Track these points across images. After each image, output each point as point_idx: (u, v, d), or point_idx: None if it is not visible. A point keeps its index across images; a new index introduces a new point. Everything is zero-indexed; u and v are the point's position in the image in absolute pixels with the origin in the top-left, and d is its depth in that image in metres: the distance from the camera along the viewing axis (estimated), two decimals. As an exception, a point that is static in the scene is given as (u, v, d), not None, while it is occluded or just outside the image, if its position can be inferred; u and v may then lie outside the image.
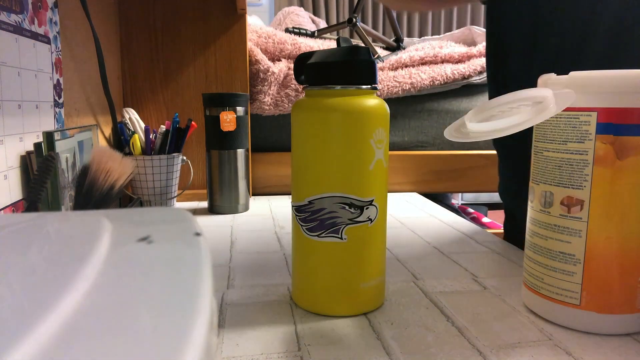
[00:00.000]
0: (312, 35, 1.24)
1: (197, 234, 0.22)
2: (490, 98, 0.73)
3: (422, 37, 1.51)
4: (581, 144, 0.39)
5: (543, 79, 0.43)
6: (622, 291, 0.39)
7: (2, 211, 0.54)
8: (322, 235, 0.42)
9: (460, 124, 0.43)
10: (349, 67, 0.42)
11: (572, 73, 0.40)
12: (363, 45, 1.16)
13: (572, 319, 0.41)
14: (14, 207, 0.57)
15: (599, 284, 0.39)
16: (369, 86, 0.42)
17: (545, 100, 0.38)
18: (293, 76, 1.04)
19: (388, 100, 1.10)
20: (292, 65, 1.04)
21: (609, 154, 0.38)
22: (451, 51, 1.14)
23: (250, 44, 1.02)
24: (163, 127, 0.89)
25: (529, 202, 0.44)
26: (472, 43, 1.27)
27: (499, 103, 0.42)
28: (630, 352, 0.37)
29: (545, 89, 0.39)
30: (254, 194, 1.07)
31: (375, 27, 3.30)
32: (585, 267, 0.39)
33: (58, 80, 0.68)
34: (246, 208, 0.89)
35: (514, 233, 0.72)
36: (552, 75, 0.42)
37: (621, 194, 0.38)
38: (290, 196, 1.05)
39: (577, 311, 0.40)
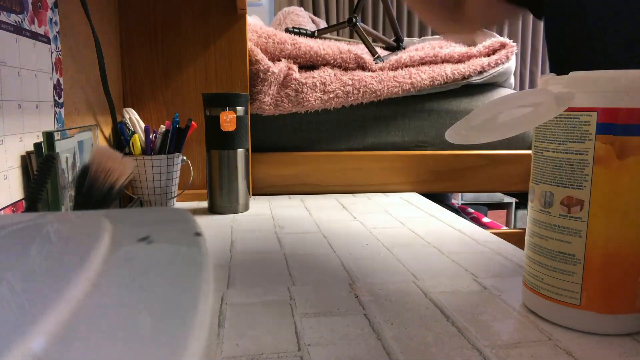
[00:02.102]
0: (312, 35, 1.24)
1: (197, 234, 0.22)
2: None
3: (422, 37, 1.51)
4: (581, 144, 0.39)
5: (543, 79, 0.43)
6: (622, 291, 0.39)
7: (2, 211, 0.54)
8: None
9: (461, 126, 0.43)
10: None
11: (572, 73, 0.40)
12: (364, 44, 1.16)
13: (572, 319, 0.41)
14: (14, 207, 0.57)
15: (599, 284, 0.39)
16: None
17: (546, 101, 0.38)
18: (293, 76, 1.04)
19: (388, 100, 1.10)
20: (292, 65, 1.04)
21: (609, 154, 0.38)
22: (451, 51, 1.14)
23: (250, 44, 1.02)
24: (163, 127, 0.89)
25: (529, 202, 0.44)
26: (472, 43, 1.27)
27: (500, 104, 0.42)
28: (631, 352, 0.37)
29: (545, 90, 0.39)
30: (254, 194, 1.07)
31: (375, 27, 3.29)
32: (585, 267, 0.39)
33: (58, 80, 0.68)
34: (246, 208, 0.89)
35: None
36: (553, 75, 0.42)
37: (621, 194, 0.38)
38: (290, 197, 1.05)
39: (577, 311, 0.40)
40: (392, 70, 1.10)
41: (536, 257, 0.43)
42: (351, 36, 2.14)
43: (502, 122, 0.40)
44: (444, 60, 1.13)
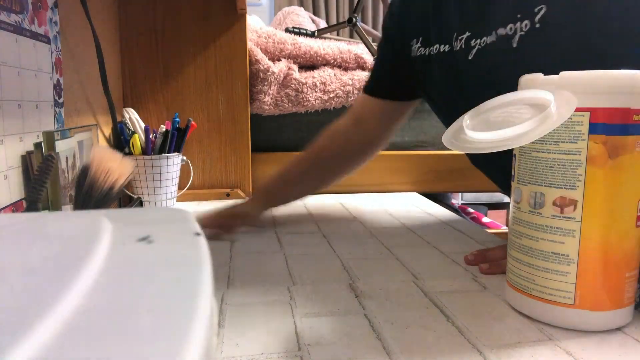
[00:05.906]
0: (312, 35, 1.24)
1: (197, 234, 0.22)
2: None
3: (422, 37, 1.51)
4: (574, 144, 0.38)
5: (528, 79, 0.42)
6: (613, 288, 0.39)
7: (2, 211, 0.54)
8: None
9: (457, 129, 0.42)
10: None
11: (562, 73, 0.39)
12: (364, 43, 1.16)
13: (565, 318, 0.40)
14: (14, 207, 0.57)
15: (592, 283, 0.39)
16: None
17: (550, 106, 0.37)
18: (293, 76, 1.04)
19: (388, 100, 1.10)
20: (292, 65, 1.04)
21: (602, 153, 0.38)
22: (451, 51, 1.13)
23: (250, 44, 1.02)
24: (163, 127, 0.89)
25: (512, 203, 0.44)
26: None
27: (498, 104, 0.41)
28: (630, 351, 0.37)
29: (545, 92, 0.39)
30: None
31: (375, 27, 3.29)
32: (579, 266, 0.39)
33: (58, 80, 0.68)
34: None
35: None
36: (540, 76, 0.41)
37: (613, 192, 0.38)
38: (290, 196, 1.04)
39: (571, 311, 0.40)
40: (392, 70, 1.10)
41: (525, 259, 0.42)
42: (351, 36, 2.14)
43: (507, 130, 0.38)
44: (444, 60, 1.13)
